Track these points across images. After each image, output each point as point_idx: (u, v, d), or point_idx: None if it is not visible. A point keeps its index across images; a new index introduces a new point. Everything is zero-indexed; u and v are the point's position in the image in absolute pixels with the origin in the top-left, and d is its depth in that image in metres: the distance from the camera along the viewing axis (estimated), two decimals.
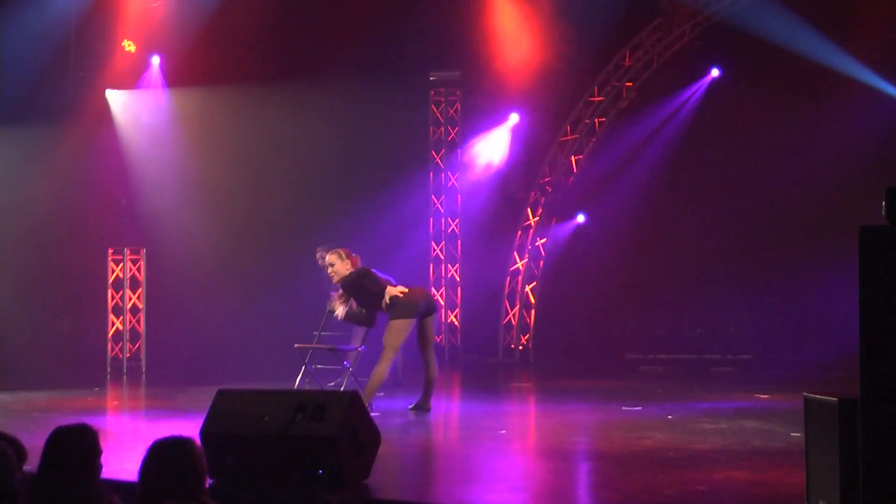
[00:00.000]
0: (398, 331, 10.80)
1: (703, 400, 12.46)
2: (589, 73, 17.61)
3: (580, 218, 18.17)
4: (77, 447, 4.93)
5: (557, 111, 17.84)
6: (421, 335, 11.02)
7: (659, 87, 17.45)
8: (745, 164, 17.00)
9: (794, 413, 10.97)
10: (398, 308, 10.82)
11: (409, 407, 11.19)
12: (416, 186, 18.32)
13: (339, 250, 11.22)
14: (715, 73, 17.15)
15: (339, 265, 11.08)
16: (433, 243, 18.74)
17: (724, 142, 17.01)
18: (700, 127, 17.13)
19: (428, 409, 11.12)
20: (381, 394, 11.92)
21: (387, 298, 10.84)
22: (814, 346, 15.82)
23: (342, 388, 11.21)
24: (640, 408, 11.52)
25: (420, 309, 10.89)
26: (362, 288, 10.92)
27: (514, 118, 17.86)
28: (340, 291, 11.04)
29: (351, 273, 10.97)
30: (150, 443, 4.85)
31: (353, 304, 11.09)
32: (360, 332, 11.89)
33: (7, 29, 15.75)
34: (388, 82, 17.19)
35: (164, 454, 4.77)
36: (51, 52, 16.31)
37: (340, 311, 11.03)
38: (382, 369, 10.73)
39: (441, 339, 18.40)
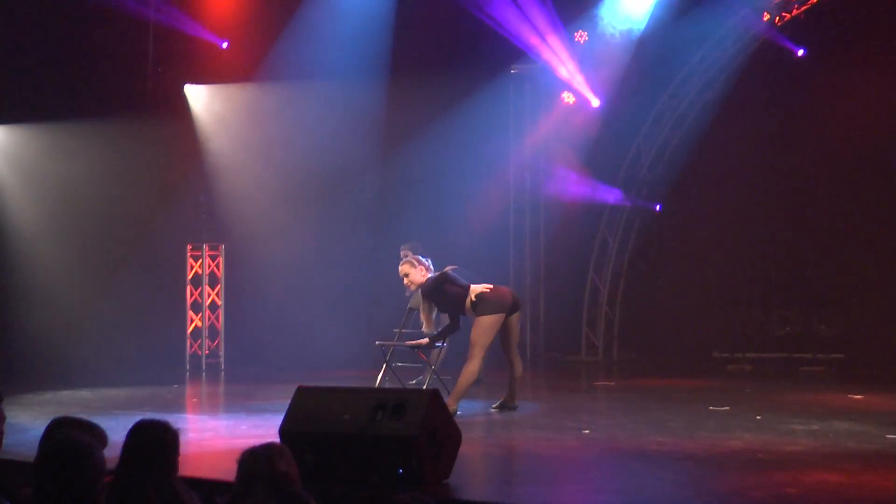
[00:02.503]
0: (487, 327, 10.78)
1: (793, 400, 12.33)
2: (675, 63, 17.46)
3: (657, 208, 18.04)
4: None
5: (641, 103, 17.71)
6: (505, 334, 11.01)
7: (745, 73, 17.24)
8: (840, 151, 16.73)
9: (889, 414, 10.85)
10: (486, 304, 10.81)
11: (493, 406, 11.20)
12: (496, 182, 18.28)
13: (411, 259, 11.26)
14: (800, 53, 16.86)
15: (413, 274, 11.11)
16: (514, 241, 18.68)
17: (816, 128, 16.74)
18: (789, 112, 16.88)
19: (514, 407, 11.13)
20: None
21: (472, 296, 10.83)
22: None
23: (424, 387, 11.23)
24: (727, 407, 11.42)
25: (508, 304, 10.88)
26: (444, 293, 10.91)
27: (595, 103, 17.74)
28: (425, 307, 11.04)
29: (429, 280, 10.98)
30: (229, 442, 4.90)
31: (434, 314, 11.09)
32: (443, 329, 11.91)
33: (84, 24, 15.99)
34: (467, 76, 17.19)
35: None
36: (128, 49, 16.54)
37: (427, 328, 11.05)
38: (473, 368, 10.72)
39: (523, 337, 18.36)
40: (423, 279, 11.02)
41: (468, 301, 10.85)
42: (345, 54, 17.08)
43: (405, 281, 11.21)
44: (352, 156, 17.36)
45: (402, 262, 11.31)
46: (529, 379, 16.36)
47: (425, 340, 11.18)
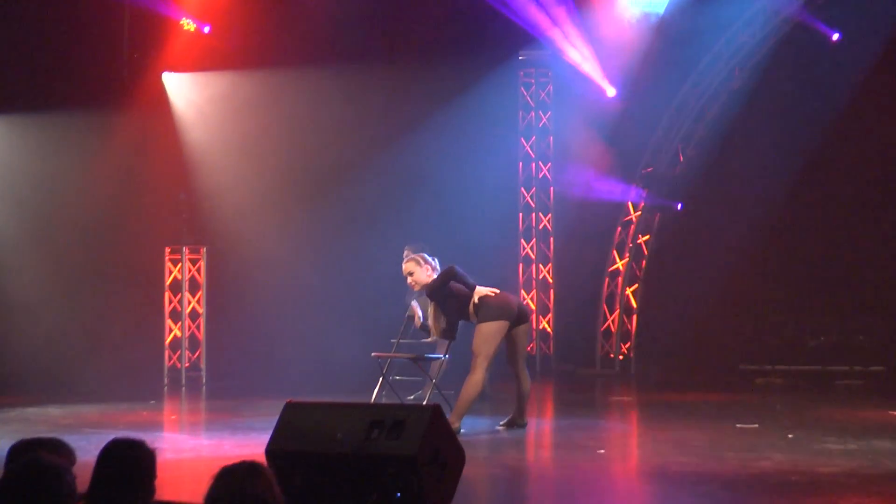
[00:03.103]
0: (490, 335, 10.72)
1: (828, 417, 12.31)
2: (698, 50, 17.47)
3: (679, 207, 18.04)
4: (134, 463, 4.97)
5: (661, 93, 17.71)
6: (512, 345, 10.97)
7: (774, 64, 17.24)
8: (884, 144, 16.71)
9: None
10: (489, 310, 10.76)
11: (500, 424, 11.18)
12: (504, 178, 18.30)
13: (415, 257, 11.23)
14: (835, 37, 16.84)
15: (418, 273, 11.08)
16: (523, 241, 18.71)
17: (854, 119, 16.71)
18: (824, 102, 16.85)
19: (524, 425, 11.11)
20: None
21: (475, 298, 10.79)
22: None
23: (424, 402, 11.21)
24: (756, 425, 11.41)
25: (513, 312, 10.84)
26: (451, 292, 10.88)
27: (610, 92, 17.73)
28: (432, 311, 11.02)
29: (436, 278, 10.95)
30: (212, 463, 4.87)
31: (442, 320, 11.06)
32: (443, 340, 11.90)
33: (58, 9, 16.01)
34: (472, 63, 17.19)
35: (113, 454, 4.82)
36: (102, 34, 16.54)
37: (434, 328, 11.04)
38: (477, 379, 10.66)
39: (532, 348, 18.37)
40: (429, 279, 11.00)
41: (471, 304, 10.81)
42: (339, 38, 17.08)
43: (409, 280, 11.17)
44: (347, 149, 17.36)
45: (406, 259, 11.29)
46: (539, 393, 16.35)
47: (432, 338, 11.20)
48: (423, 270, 11.07)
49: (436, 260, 11.23)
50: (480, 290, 10.83)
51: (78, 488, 4.45)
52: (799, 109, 16.91)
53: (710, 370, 17.07)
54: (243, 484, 4.67)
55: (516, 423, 11.13)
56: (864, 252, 17.13)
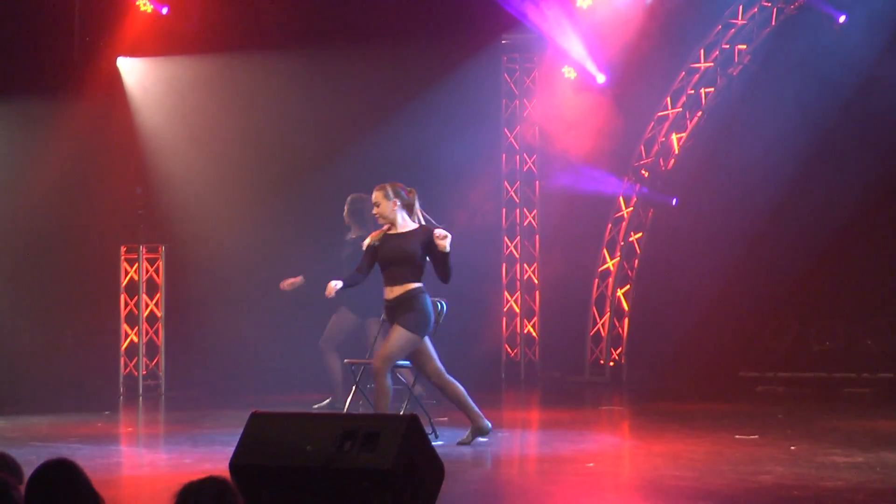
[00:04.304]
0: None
1: (834, 427, 12.36)
2: (694, 34, 17.52)
3: (674, 202, 18.09)
4: (68, 486, 4.92)
5: (655, 80, 17.75)
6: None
7: (778, 48, 17.30)
8: (884, 143, 16.79)
9: None
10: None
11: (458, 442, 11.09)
12: (486, 171, 18.32)
13: (385, 186, 11.06)
14: (842, 19, 16.88)
15: (384, 206, 10.99)
16: (506, 239, 18.74)
17: (862, 109, 16.73)
18: (830, 90, 16.87)
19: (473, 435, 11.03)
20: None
21: None
22: None
23: (401, 412, 11.24)
24: (756, 436, 11.46)
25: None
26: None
27: (600, 79, 17.77)
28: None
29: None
30: (172, 478, 4.88)
31: None
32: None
33: None
34: (451, 47, 17.20)
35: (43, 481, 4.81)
36: (51, 13, 16.49)
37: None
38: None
39: (517, 353, 18.42)
40: (393, 215, 10.92)
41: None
42: (306, 19, 17.07)
43: (375, 211, 11.09)
44: (317, 140, 17.35)
45: (376, 189, 11.12)
46: (524, 402, 16.40)
47: None
48: (389, 204, 10.99)
49: (418, 204, 11.12)
50: None
51: None
52: (803, 97, 16.93)
53: (708, 377, 17.10)
54: (206, 499, 4.68)
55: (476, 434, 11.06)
56: (872, 251, 17.18)
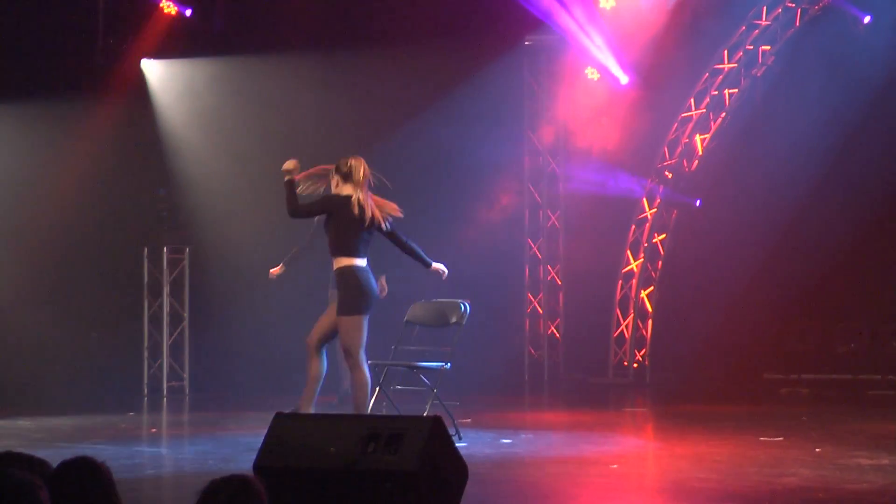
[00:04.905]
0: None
1: (859, 430, 12.32)
2: (718, 35, 17.47)
3: (697, 203, 18.05)
4: (91, 485, 4.93)
5: (679, 82, 17.72)
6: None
7: (802, 49, 17.24)
8: None
9: None
10: None
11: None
12: (510, 172, 18.31)
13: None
14: (867, 20, 16.82)
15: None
16: (529, 240, 18.72)
17: (887, 109, 16.68)
18: (855, 90, 16.81)
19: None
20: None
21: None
22: None
23: (424, 414, 11.22)
24: (780, 438, 11.42)
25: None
26: None
27: (624, 80, 17.74)
28: None
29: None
30: (195, 479, 4.87)
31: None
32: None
33: None
34: (475, 49, 17.18)
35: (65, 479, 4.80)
36: (75, 15, 16.53)
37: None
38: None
39: (540, 355, 18.39)
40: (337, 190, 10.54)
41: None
42: (330, 21, 17.08)
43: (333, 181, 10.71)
44: (340, 141, 17.33)
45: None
46: (548, 404, 16.38)
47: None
48: (333, 182, 10.62)
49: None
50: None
51: None
52: (827, 98, 16.88)
53: (731, 379, 17.06)
54: (231, 498, 4.68)
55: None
56: None
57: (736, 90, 17.73)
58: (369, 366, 12.13)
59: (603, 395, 16.95)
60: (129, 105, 17.00)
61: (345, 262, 10.42)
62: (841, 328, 17.60)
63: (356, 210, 10.30)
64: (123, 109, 16.89)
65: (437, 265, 10.85)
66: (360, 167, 10.46)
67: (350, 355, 10.54)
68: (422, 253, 10.86)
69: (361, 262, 10.45)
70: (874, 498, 8.20)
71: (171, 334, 17.07)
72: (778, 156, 17.16)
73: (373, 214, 10.36)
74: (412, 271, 11.40)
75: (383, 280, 13.16)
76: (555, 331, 18.56)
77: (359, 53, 17.18)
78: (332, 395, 14.05)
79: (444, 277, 10.84)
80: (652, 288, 18.40)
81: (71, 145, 16.55)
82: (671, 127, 17.99)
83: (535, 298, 18.53)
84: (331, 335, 10.81)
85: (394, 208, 10.70)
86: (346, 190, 10.41)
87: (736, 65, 17.63)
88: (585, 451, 10.84)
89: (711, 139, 17.91)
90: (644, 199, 18.25)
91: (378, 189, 10.72)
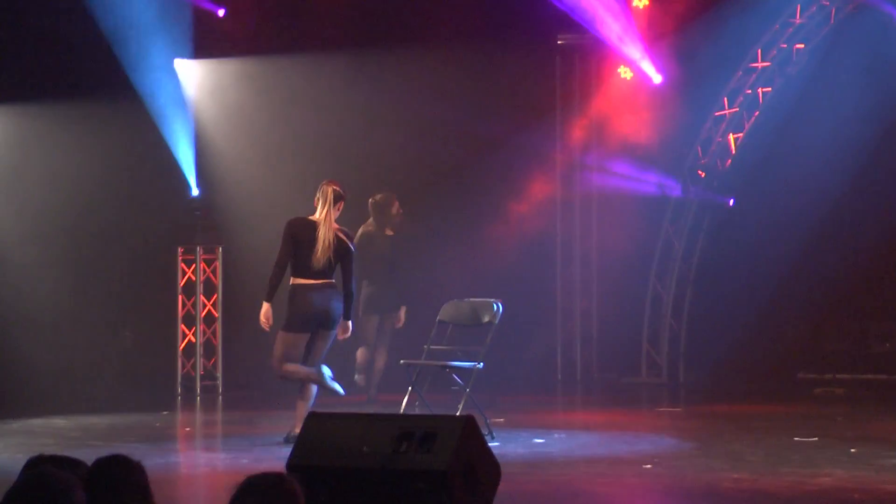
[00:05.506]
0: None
1: (894, 430, 12.26)
2: (751, 33, 17.42)
3: (731, 202, 17.98)
4: (124, 483, 4.95)
5: (712, 80, 17.67)
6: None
7: (837, 47, 17.18)
8: None
9: None
10: None
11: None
12: (542, 171, 18.29)
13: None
14: None
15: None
16: (560, 239, 18.67)
17: None
18: (887, 90, 16.75)
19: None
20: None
21: None
22: None
23: (458, 413, 11.23)
24: (815, 438, 11.38)
25: None
26: None
27: (657, 79, 17.70)
28: None
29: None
30: (229, 479, 4.89)
31: None
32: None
33: None
34: (507, 48, 17.17)
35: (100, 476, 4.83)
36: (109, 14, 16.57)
37: None
38: None
39: (573, 354, 18.37)
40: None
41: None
42: (362, 20, 17.10)
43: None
44: (371, 141, 17.37)
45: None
46: (580, 403, 16.37)
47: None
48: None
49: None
50: None
51: None
52: (862, 96, 16.82)
53: (765, 379, 17.01)
54: (266, 496, 4.69)
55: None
56: None
57: (769, 89, 17.67)
58: (401, 365, 12.20)
59: (636, 394, 16.93)
60: (163, 104, 17.03)
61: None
62: (876, 327, 17.52)
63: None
64: (158, 108, 16.93)
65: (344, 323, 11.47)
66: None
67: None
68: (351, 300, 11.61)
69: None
70: None
71: (204, 334, 17.12)
72: (812, 154, 17.10)
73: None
74: (441, 272, 11.40)
75: (402, 311, 14.20)
76: (588, 329, 18.51)
77: (391, 53, 17.18)
78: (363, 395, 14.08)
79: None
80: (685, 287, 18.33)
81: (104, 144, 16.60)
82: (704, 126, 17.93)
83: (567, 297, 18.49)
84: (308, 353, 11.62)
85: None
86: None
87: (770, 63, 17.57)
88: (618, 451, 10.84)
89: (745, 138, 17.85)
90: (677, 198, 18.19)
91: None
